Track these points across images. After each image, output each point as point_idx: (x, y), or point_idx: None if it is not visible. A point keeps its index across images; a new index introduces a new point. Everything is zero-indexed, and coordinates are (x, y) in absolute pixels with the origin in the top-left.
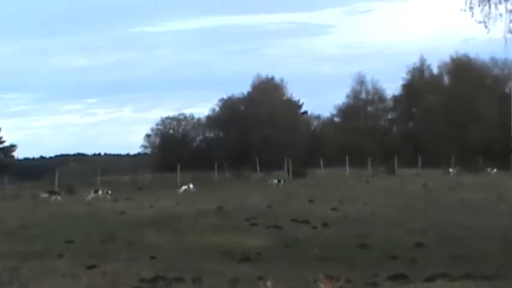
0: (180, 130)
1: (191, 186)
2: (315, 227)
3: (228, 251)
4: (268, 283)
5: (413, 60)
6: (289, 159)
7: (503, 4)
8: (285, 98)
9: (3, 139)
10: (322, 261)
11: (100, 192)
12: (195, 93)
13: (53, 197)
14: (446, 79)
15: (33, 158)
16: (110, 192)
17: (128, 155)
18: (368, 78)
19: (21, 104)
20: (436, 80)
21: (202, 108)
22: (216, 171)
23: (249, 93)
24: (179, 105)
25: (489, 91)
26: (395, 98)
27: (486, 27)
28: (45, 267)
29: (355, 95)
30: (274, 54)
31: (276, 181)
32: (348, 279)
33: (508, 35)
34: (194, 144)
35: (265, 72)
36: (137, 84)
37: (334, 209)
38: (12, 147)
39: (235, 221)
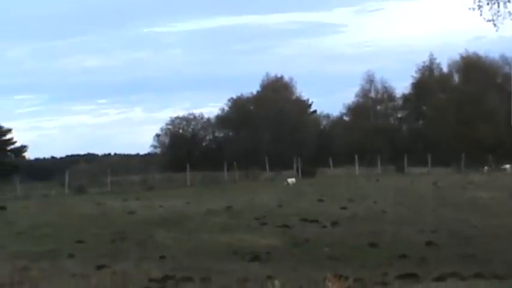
0: (190, 130)
1: (294, 179)
2: (325, 226)
3: (238, 250)
4: (276, 282)
5: (423, 59)
6: (299, 158)
7: None
8: (294, 97)
9: (14, 140)
10: (332, 261)
11: None
12: (204, 93)
13: None
14: (456, 77)
15: (44, 158)
16: None
17: (138, 154)
18: (377, 76)
19: (32, 105)
20: (445, 78)
21: (212, 108)
22: (225, 171)
23: (258, 92)
24: (189, 105)
25: (499, 89)
26: (404, 97)
27: (495, 25)
28: (55, 267)
29: (364, 94)
30: (284, 53)
31: (287, 181)
32: (357, 278)
33: None
34: (204, 143)
35: (275, 72)
36: (147, 85)
37: (343, 208)
38: (24, 147)
39: (245, 220)
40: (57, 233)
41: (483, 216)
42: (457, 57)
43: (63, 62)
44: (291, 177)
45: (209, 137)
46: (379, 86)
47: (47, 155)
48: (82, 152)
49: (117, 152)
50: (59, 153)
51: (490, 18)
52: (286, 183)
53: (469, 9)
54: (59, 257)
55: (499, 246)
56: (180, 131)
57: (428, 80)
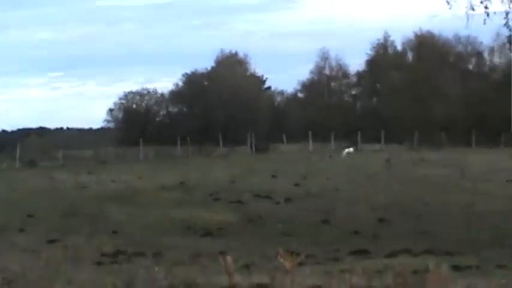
0: (144, 105)
1: (351, 149)
2: (278, 203)
3: (191, 225)
4: (229, 258)
5: (377, 37)
6: (253, 134)
7: None
8: (248, 73)
9: None
10: (285, 237)
11: None
12: (159, 68)
13: None
14: (410, 55)
15: None
16: None
17: (90, 129)
18: (332, 54)
19: None
20: (399, 56)
21: (165, 83)
22: (178, 146)
23: (212, 68)
24: (143, 80)
25: (452, 68)
26: (359, 74)
27: (448, 3)
28: (5, 241)
29: (319, 71)
30: (239, 29)
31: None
32: (309, 255)
33: (470, 12)
34: (157, 119)
35: (229, 48)
36: (101, 59)
37: (296, 185)
38: None
39: (198, 196)
40: (7, 207)
41: (435, 194)
42: (411, 36)
43: (15, 34)
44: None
45: (163, 112)
46: (334, 63)
47: None
48: (34, 126)
49: (70, 126)
50: (10, 127)
51: None
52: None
53: None
54: (9, 231)
55: (449, 223)
56: (134, 105)
57: (383, 58)
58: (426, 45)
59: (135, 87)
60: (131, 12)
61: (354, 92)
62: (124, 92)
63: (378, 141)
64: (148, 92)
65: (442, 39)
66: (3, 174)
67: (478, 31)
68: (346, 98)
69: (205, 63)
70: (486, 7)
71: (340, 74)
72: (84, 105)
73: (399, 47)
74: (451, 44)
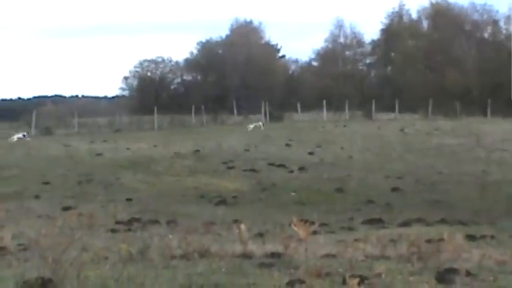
0: (158, 73)
1: (261, 123)
2: (292, 171)
3: (204, 194)
4: (242, 226)
5: (393, 5)
6: (267, 103)
7: None
8: (263, 41)
9: None
10: (299, 205)
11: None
12: (174, 36)
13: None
14: (425, 24)
15: (11, 99)
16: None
17: (105, 97)
18: (346, 22)
19: None
20: (414, 24)
21: (181, 51)
22: (193, 115)
23: (227, 36)
24: (158, 48)
25: (468, 36)
26: (373, 43)
27: None
28: (21, 208)
29: (333, 40)
30: None
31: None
32: (323, 223)
33: None
34: (172, 87)
35: (244, 16)
36: (116, 27)
37: (311, 153)
38: None
39: (212, 165)
40: (23, 174)
41: (449, 163)
42: (427, 4)
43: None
44: (259, 121)
45: (177, 80)
46: (348, 31)
47: (14, 96)
48: (49, 94)
49: (85, 94)
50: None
51: None
52: (251, 127)
53: None
54: (25, 198)
55: (463, 192)
56: (149, 73)
57: (398, 27)
58: (442, 13)
59: (150, 56)
60: None
61: (368, 61)
62: (139, 60)
63: (392, 110)
64: (163, 60)
65: (458, 8)
66: (19, 142)
67: None
68: (361, 67)
69: (220, 31)
70: None
71: (354, 42)
72: (100, 73)
73: (414, 16)
74: (467, 12)
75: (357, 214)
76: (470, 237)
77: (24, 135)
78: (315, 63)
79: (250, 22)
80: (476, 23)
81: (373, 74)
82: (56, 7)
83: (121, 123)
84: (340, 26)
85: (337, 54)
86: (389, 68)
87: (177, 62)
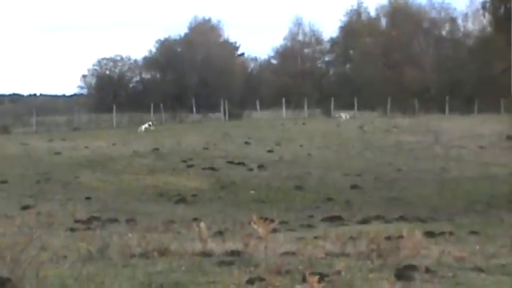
0: (117, 71)
1: (150, 123)
2: (251, 169)
3: (164, 192)
4: (202, 224)
5: (351, 3)
6: (226, 101)
7: None
8: (221, 40)
9: None
10: (258, 203)
11: None
12: (132, 34)
13: None
14: (383, 22)
15: None
16: None
17: (64, 95)
18: (305, 20)
19: None
20: (373, 22)
21: (139, 49)
22: (152, 113)
23: (186, 34)
24: (116, 46)
25: (426, 34)
26: (332, 41)
27: None
28: None
29: (292, 37)
30: None
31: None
32: (283, 221)
33: None
34: (130, 85)
35: (203, 14)
36: (74, 25)
37: (270, 151)
38: None
39: (171, 163)
40: None
41: (408, 160)
42: (385, 2)
43: None
44: (219, 119)
45: (136, 78)
46: (307, 29)
47: None
48: (7, 92)
49: (43, 93)
50: None
51: None
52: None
53: None
54: None
55: (422, 189)
56: (107, 72)
57: (356, 24)
58: (400, 11)
59: (108, 54)
60: None
61: (327, 59)
62: (97, 58)
63: (351, 107)
64: (122, 58)
65: (416, 5)
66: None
67: None
68: (320, 65)
69: (178, 29)
70: None
71: (313, 40)
72: (58, 71)
73: (373, 14)
74: (425, 10)
75: (317, 212)
76: (429, 234)
77: (149, 125)
78: (274, 61)
79: (209, 20)
80: (434, 21)
81: (332, 72)
82: (13, 5)
83: (79, 122)
84: (299, 23)
85: (296, 52)
86: (348, 66)
87: (135, 60)
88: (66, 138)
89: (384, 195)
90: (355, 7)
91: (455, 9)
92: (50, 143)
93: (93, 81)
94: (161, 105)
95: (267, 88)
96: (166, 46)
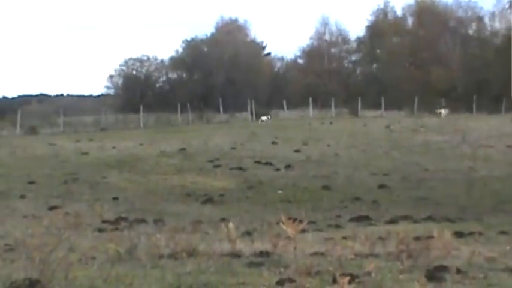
0: (144, 71)
1: (266, 118)
2: (278, 169)
3: (191, 192)
4: (230, 224)
5: (378, 2)
6: (253, 100)
7: None
8: (248, 39)
9: None
10: (285, 203)
11: None
12: (159, 34)
13: None
14: (410, 21)
15: None
16: None
17: (91, 96)
18: (332, 20)
19: None
20: (399, 21)
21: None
22: (179, 113)
23: (212, 34)
24: (143, 46)
25: (453, 33)
26: (359, 40)
27: None
28: (6, 208)
29: (319, 37)
30: None
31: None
32: (310, 221)
33: None
34: (157, 85)
35: (230, 14)
36: (102, 25)
37: (297, 151)
38: None
39: (199, 163)
40: (8, 173)
41: (435, 160)
42: (412, 1)
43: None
44: (246, 119)
45: (163, 78)
46: (334, 28)
47: None
48: (34, 93)
49: (70, 93)
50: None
51: None
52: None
53: None
54: (10, 198)
55: (450, 189)
56: (134, 72)
57: (383, 24)
58: (426, 10)
59: (135, 54)
60: None
61: (353, 58)
62: (124, 58)
63: (378, 107)
64: (149, 58)
65: (442, 5)
66: (4, 141)
67: None
68: (346, 64)
69: (205, 29)
70: None
71: (340, 40)
72: (85, 71)
73: (399, 13)
74: (452, 9)
75: (344, 211)
76: (459, 234)
77: (268, 118)
78: (300, 61)
79: (236, 20)
80: (461, 20)
81: (359, 71)
82: (41, 5)
83: (107, 122)
84: (325, 23)
85: (322, 52)
86: (374, 65)
87: (162, 61)
88: (94, 138)
89: (412, 195)
90: (381, 6)
91: (482, 8)
92: (77, 143)
93: (120, 81)
94: (188, 105)
95: (293, 88)
96: (193, 46)
